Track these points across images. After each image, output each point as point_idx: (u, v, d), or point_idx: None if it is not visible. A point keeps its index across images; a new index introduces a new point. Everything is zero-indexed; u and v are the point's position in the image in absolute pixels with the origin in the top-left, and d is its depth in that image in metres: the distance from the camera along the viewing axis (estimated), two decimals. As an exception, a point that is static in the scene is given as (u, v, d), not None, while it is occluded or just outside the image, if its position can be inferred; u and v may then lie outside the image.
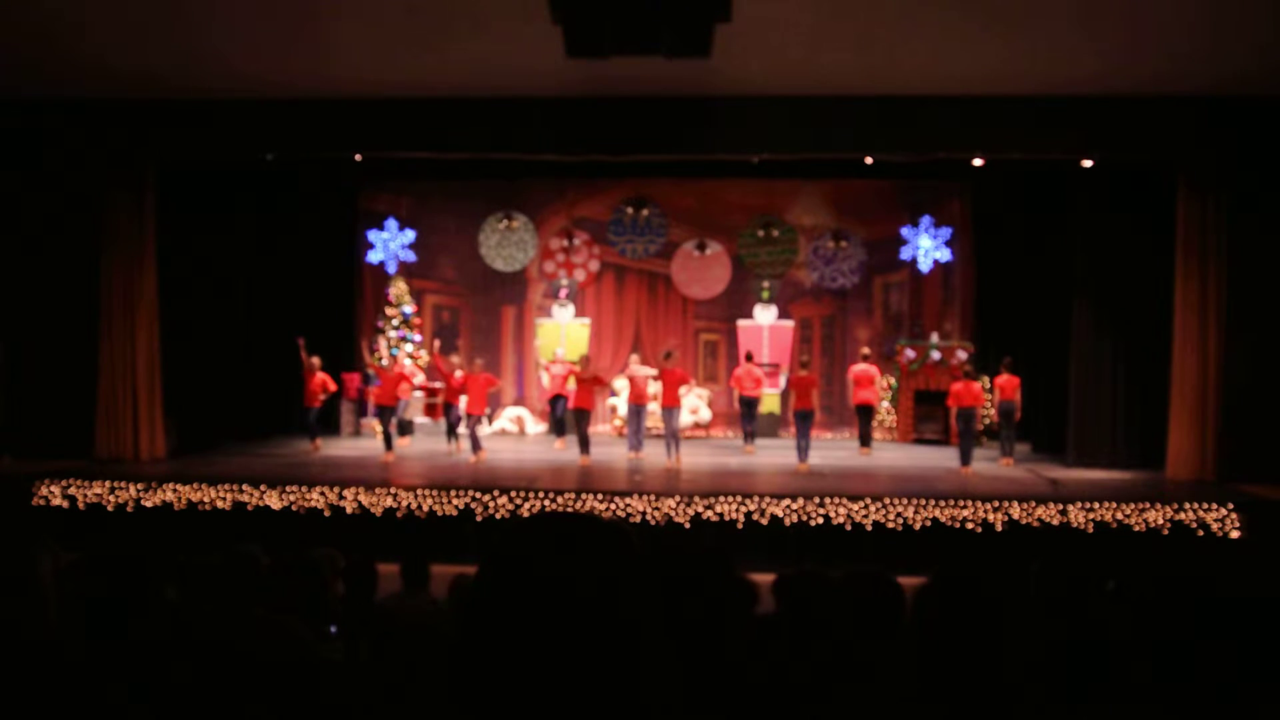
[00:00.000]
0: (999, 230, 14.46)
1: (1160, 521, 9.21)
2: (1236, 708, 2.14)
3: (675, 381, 11.48)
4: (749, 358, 13.49)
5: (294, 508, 9.60)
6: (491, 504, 9.44)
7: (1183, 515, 9.22)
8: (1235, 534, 9.13)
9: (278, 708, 2.52)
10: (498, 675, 1.17)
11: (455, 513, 9.45)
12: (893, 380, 14.93)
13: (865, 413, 13.36)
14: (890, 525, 9.25)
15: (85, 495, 9.75)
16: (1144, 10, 8.56)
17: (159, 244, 11.46)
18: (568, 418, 12.92)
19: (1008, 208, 14.09)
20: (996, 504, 9.30)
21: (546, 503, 9.47)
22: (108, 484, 9.77)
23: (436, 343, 14.25)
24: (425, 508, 9.47)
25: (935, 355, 14.41)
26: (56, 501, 9.75)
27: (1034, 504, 9.31)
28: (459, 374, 12.32)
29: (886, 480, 10.61)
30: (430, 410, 15.03)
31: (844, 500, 9.33)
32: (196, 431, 12.41)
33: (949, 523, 9.24)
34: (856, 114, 10.80)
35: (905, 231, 15.40)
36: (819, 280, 15.77)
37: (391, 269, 15.75)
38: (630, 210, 15.83)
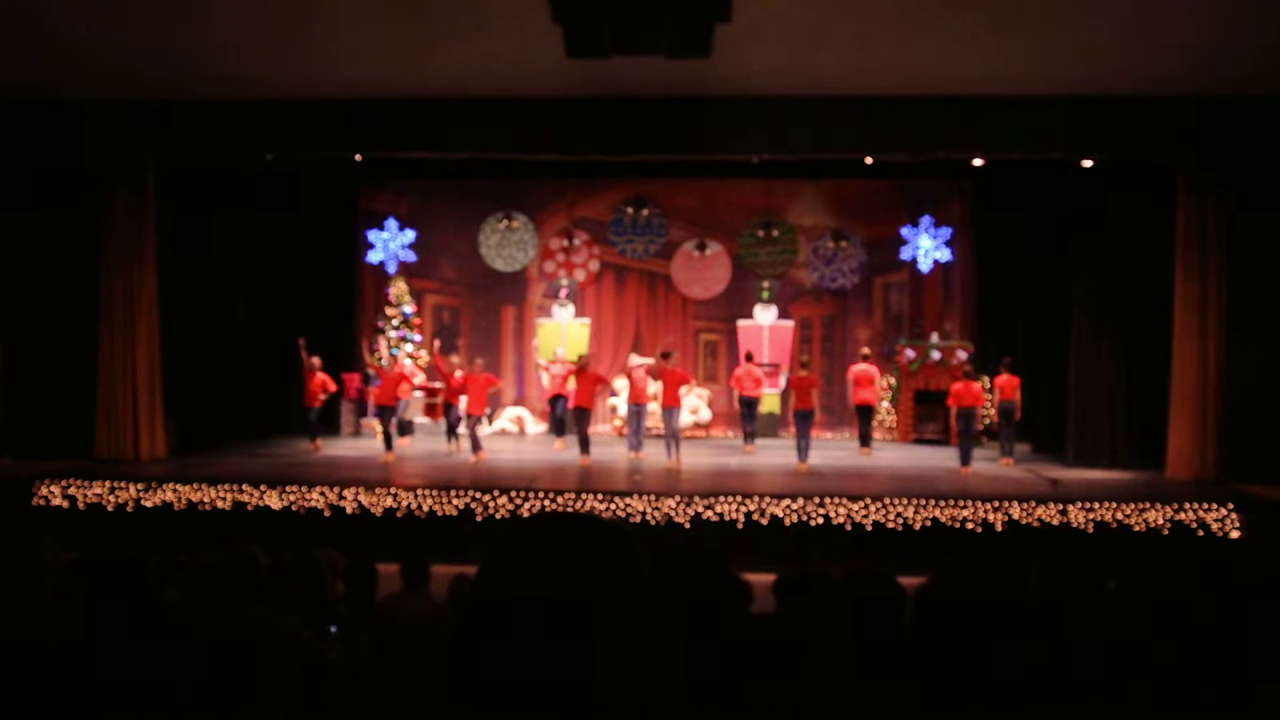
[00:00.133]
0: (999, 230, 14.45)
1: (1160, 521, 9.21)
2: (1235, 707, 2.15)
3: (675, 381, 11.48)
4: (749, 358, 13.49)
5: (294, 508, 9.59)
6: (491, 504, 9.44)
7: (1183, 515, 9.22)
8: (1235, 534, 9.13)
9: (278, 708, 2.52)
10: (497, 675, 1.17)
11: (455, 513, 9.45)
12: (893, 380, 14.93)
13: (865, 413, 13.36)
14: (890, 525, 9.24)
15: (85, 495, 9.75)
16: (1144, 10, 8.57)
17: (159, 244, 11.45)
18: (568, 418, 12.92)
19: (1008, 208, 14.09)
20: (996, 504, 9.29)
21: (546, 503, 9.47)
22: (108, 484, 9.77)
23: (436, 343, 14.26)
24: (425, 508, 9.47)
25: (935, 355, 14.41)
26: (56, 501, 9.74)
27: (1034, 504, 9.31)
28: (459, 374, 12.33)
29: (886, 480, 10.61)
30: (430, 410, 15.03)
31: (844, 500, 9.33)
32: (196, 431, 12.40)
33: (949, 523, 9.24)
34: (856, 114, 10.80)
35: (905, 231, 15.41)
36: (819, 280, 15.78)
37: (391, 269, 15.75)
38: (630, 210, 15.83)
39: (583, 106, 10.83)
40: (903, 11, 8.68)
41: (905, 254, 15.43)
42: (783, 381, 14.53)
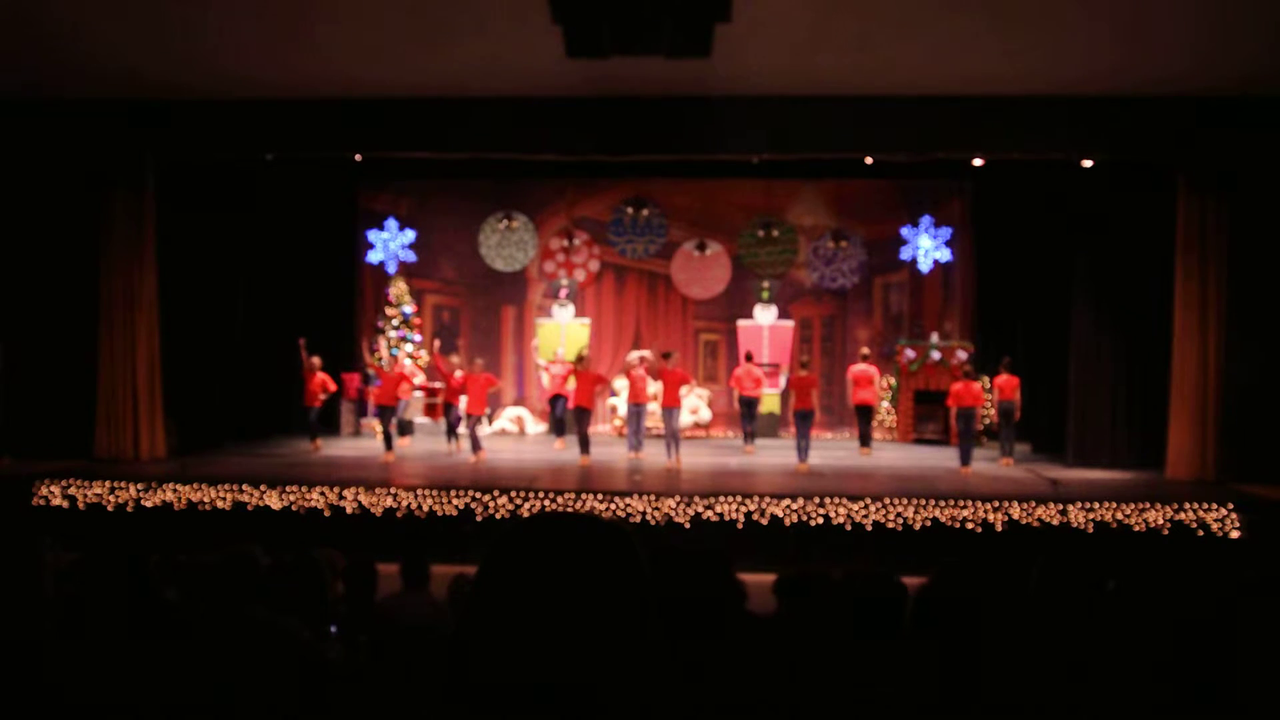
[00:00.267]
0: (999, 230, 14.46)
1: (1160, 521, 9.21)
2: (1235, 707, 2.15)
3: (675, 381, 11.48)
4: (749, 358, 13.49)
5: (294, 508, 9.60)
6: (491, 504, 9.44)
7: (1183, 515, 9.22)
8: (1235, 534, 9.13)
9: (278, 708, 2.52)
10: (497, 675, 1.17)
11: (455, 513, 9.45)
12: (893, 380, 14.94)
13: (865, 413, 13.36)
14: (890, 525, 9.25)
15: (85, 495, 9.75)
16: (1144, 10, 8.57)
17: (159, 244, 11.45)
18: (568, 418, 12.92)
19: (1008, 208, 14.09)
20: (996, 504, 9.30)
21: (546, 503, 9.47)
22: (108, 484, 9.77)
23: (436, 343, 14.26)
24: (425, 508, 9.47)
25: (935, 355, 14.41)
26: (56, 501, 9.75)
27: (1034, 504, 9.31)
28: (459, 374, 12.33)
29: (886, 480, 10.61)
30: (430, 410, 15.03)
31: (844, 500, 9.33)
32: (196, 431, 12.40)
33: (949, 523, 9.24)
34: (856, 114, 10.80)
35: (905, 231, 15.40)
36: (819, 280, 15.78)
37: (391, 269, 15.75)
38: (630, 210, 15.83)
39: (583, 106, 10.83)
40: (903, 11, 8.68)
41: (905, 254, 15.43)
42: (783, 381, 14.53)
